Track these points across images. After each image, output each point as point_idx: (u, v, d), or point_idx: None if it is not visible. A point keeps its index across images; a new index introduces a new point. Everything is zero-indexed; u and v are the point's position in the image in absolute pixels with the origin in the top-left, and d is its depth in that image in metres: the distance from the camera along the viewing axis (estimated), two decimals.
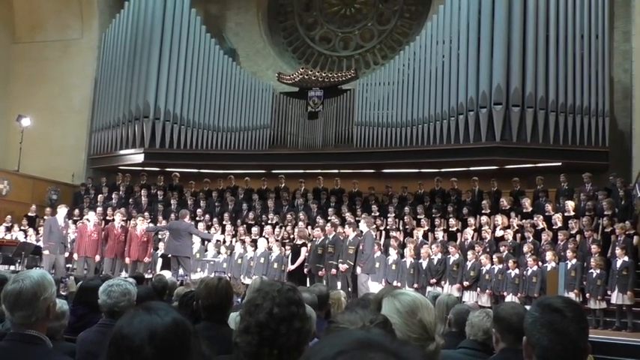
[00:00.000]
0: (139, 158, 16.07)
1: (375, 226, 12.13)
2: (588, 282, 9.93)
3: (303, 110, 15.58)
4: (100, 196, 15.49)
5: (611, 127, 13.44)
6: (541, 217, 11.56)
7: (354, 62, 18.08)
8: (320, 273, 10.79)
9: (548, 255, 10.16)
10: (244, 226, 13.42)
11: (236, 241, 13.01)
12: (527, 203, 12.35)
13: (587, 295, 9.88)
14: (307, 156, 15.20)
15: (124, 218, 13.23)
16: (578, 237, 10.93)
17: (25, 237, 13.26)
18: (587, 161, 13.03)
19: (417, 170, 14.72)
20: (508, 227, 11.82)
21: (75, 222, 13.96)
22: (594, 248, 10.13)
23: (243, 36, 18.42)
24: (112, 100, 16.81)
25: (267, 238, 12.39)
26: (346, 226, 10.94)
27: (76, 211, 14.77)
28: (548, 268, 9.99)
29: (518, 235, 11.48)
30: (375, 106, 14.82)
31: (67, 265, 12.57)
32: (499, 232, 11.73)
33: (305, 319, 1.93)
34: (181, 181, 15.90)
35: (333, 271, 10.58)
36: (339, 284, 10.31)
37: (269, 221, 13.53)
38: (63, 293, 6.07)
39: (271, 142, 15.57)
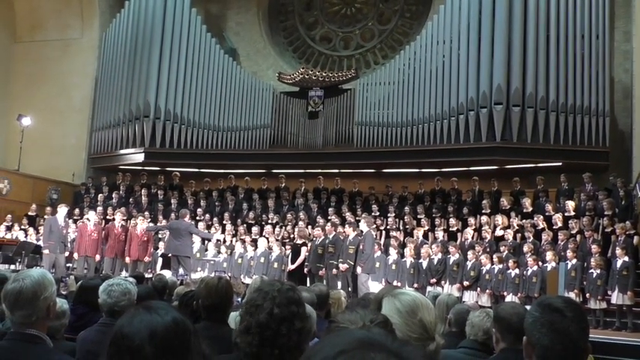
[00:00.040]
0: (140, 158, 16.07)
1: (375, 225, 12.13)
2: (588, 282, 9.93)
3: (304, 110, 15.58)
4: (100, 195, 15.50)
5: (612, 127, 13.43)
6: (541, 217, 11.55)
7: (355, 62, 18.08)
8: (320, 273, 10.77)
9: (549, 255, 10.16)
10: (244, 225, 13.42)
11: (236, 241, 13.01)
12: (527, 203, 12.34)
13: (588, 295, 9.88)
14: (307, 156, 15.19)
15: (125, 218, 13.24)
16: (578, 237, 10.93)
17: (26, 236, 13.27)
18: (588, 161, 13.03)
19: (417, 170, 14.72)
20: (508, 227, 11.82)
21: (75, 221, 13.98)
22: (594, 248, 10.13)
23: (244, 35, 18.41)
24: (112, 100, 16.82)
25: (267, 238, 12.38)
26: (346, 225, 10.93)
27: (77, 211, 14.79)
28: (549, 268, 9.98)
29: (519, 235, 11.47)
30: (375, 105, 14.81)
31: (68, 265, 12.58)
32: (499, 232, 11.73)
33: (305, 319, 1.93)
34: (181, 181, 15.90)
35: (334, 270, 10.58)
36: (339, 284, 10.30)
37: (269, 221, 13.53)
38: (63, 292, 6.07)
39: (271, 141, 15.57)
